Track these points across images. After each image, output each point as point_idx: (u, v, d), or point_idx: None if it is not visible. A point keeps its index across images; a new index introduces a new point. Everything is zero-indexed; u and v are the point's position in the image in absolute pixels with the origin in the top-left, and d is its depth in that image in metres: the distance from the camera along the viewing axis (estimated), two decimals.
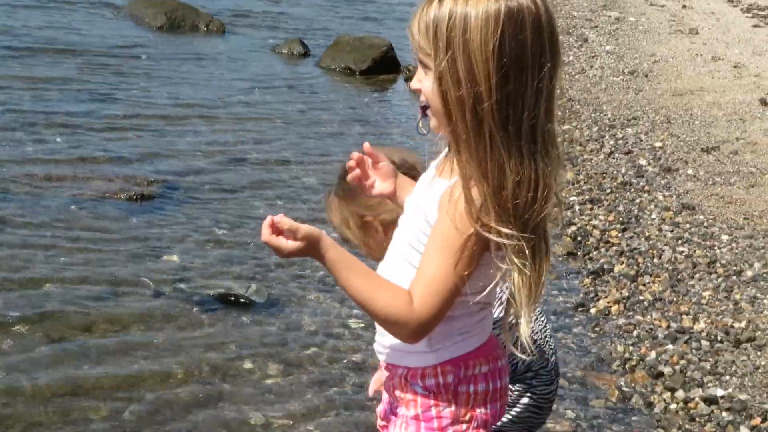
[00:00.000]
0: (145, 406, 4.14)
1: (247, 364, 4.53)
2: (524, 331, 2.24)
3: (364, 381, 4.41)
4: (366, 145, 2.55)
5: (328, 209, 3.05)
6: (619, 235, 6.42)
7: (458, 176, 2.17)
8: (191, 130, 8.32)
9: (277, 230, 2.16)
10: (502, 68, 2.06)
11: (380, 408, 2.64)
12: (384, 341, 2.42)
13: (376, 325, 2.43)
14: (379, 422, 2.63)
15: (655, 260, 6.01)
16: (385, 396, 2.59)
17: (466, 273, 2.16)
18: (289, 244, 2.15)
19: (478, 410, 2.36)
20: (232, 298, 5.20)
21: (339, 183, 2.98)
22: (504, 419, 3.13)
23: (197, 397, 4.23)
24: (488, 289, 2.25)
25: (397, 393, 2.42)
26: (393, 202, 2.61)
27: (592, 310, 5.39)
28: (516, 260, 2.14)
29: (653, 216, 6.76)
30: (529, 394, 3.16)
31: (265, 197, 6.96)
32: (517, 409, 3.17)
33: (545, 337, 3.25)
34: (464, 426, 2.36)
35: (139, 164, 7.26)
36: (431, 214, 2.21)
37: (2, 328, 4.60)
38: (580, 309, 5.41)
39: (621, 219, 6.68)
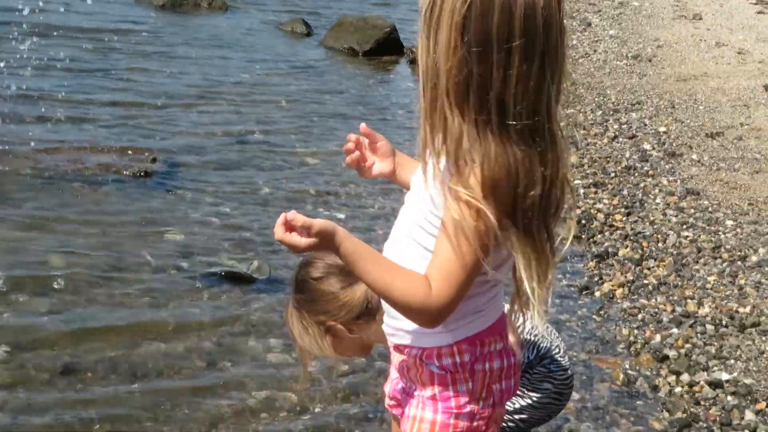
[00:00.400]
0: (147, 381, 4.10)
1: (251, 342, 4.50)
2: (539, 308, 2.21)
3: (368, 359, 4.38)
4: (363, 125, 2.57)
5: (288, 322, 3.12)
6: (624, 219, 6.38)
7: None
8: (194, 109, 8.26)
9: (290, 227, 2.16)
10: (464, 46, 2.03)
11: (388, 387, 2.62)
12: (395, 323, 2.40)
13: (386, 308, 2.40)
14: (388, 402, 2.61)
15: (660, 244, 5.97)
16: (393, 374, 2.57)
17: (482, 256, 2.13)
18: (303, 240, 2.15)
19: (494, 387, 2.35)
20: (235, 276, 5.16)
21: (293, 294, 3.09)
22: (523, 403, 3.11)
23: (201, 372, 4.20)
24: (503, 266, 2.22)
25: (412, 374, 2.40)
26: (393, 181, 2.61)
27: (597, 294, 5.36)
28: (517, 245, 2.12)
29: (657, 200, 6.72)
30: (549, 380, 3.14)
31: (268, 176, 6.91)
32: (538, 395, 3.15)
33: (537, 331, 3.22)
34: (481, 404, 2.34)
35: (142, 142, 7.20)
36: (438, 196, 2.18)
37: (5, 303, 4.55)
38: (584, 292, 5.37)
39: (625, 203, 6.64)
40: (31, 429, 3.66)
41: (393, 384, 2.56)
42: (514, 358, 2.41)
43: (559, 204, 2.17)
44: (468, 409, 2.33)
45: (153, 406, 3.92)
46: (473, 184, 2.07)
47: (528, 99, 2.05)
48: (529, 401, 3.14)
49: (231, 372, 4.23)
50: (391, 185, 6.88)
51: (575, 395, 4.23)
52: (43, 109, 7.54)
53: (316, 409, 4.01)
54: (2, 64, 8.26)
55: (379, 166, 2.59)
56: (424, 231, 2.25)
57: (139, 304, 4.80)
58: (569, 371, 3.22)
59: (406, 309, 2.20)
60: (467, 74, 2.04)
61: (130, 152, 6.91)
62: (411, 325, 2.31)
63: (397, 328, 2.40)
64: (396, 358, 2.48)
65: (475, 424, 2.35)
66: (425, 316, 2.18)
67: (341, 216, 6.32)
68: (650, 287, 5.41)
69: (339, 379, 4.24)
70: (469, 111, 2.07)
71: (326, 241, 2.17)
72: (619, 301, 5.27)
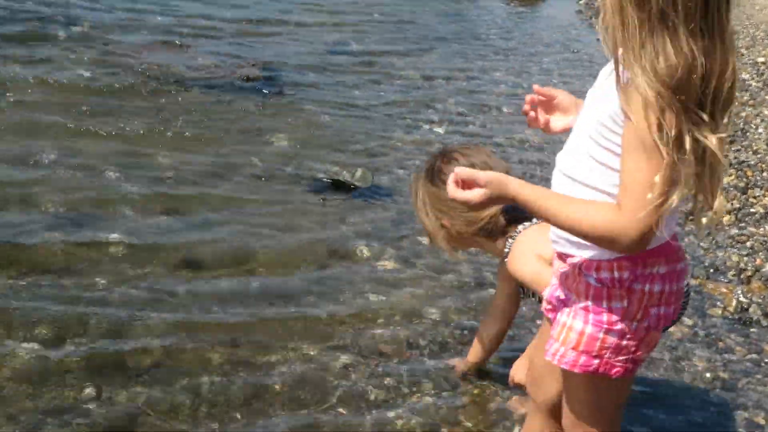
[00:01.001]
0: (260, 281, 3.95)
1: (361, 247, 4.33)
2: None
3: (479, 267, 4.23)
4: (535, 86, 2.48)
5: (412, 195, 3.07)
6: (727, 147, 6.06)
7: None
8: (289, 23, 8.08)
9: (463, 184, 2.14)
10: None
11: (547, 292, 2.48)
12: (558, 231, 2.25)
13: None
14: (545, 305, 2.46)
15: (765, 174, 5.67)
16: (553, 281, 2.42)
17: (673, 171, 1.93)
18: (474, 193, 2.13)
19: (651, 310, 2.20)
20: (339, 183, 5.00)
21: (425, 177, 3.00)
22: None
23: (314, 276, 4.04)
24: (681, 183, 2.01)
25: (570, 282, 2.26)
26: None
27: (704, 219, 5.09)
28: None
29: (760, 131, 6.38)
30: None
31: (366, 88, 6.73)
32: None
33: None
34: (635, 324, 2.19)
35: (243, 53, 7.05)
36: (614, 110, 2.01)
37: (122, 201, 4.42)
38: (690, 218, 5.10)
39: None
40: (151, 321, 3.54)
41: (552, 289, 2.41)
42: (677, 285, 2.22)
43: (730, 100, 1.98)
44: (619, 326, 2.18)
45: (266, 302, 3.78)
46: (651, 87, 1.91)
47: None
48: None
49: (344, 276, 4.07)
50: (488, 103, 6.68)
51: (688, 321, 4.03)
52: (147, 22, 7.41)
53: (433, 315, 3.85)
54: None
55: (562, 121, 2.47)
56: (597, 144, 2.09)
57: (246, 205, 4.65)
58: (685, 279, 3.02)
59: (602, 241, 2.06)
60: None
61: (232, 60, 6.77)
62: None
63: (559, 236, 2.26)
64: (557, 265, 2.35)
65: (624, 342, 2.20)
66: (623, 244, 2.02)
67: (440, 131, 6.11)
68: (757, 216, 5.13)
69: (449, 285, 4.07)
70: (647, 9, 1.90)
71: (499, 193, 2.12)
72: (726, 228, 5.01)
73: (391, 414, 3.17)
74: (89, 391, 3.05)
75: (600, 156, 2.08)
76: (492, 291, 3.65)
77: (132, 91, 5.84)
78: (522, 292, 3.16)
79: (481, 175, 2.11)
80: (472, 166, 2.95)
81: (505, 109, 6.61)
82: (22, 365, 3.11)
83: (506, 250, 2.99)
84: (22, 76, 5.73)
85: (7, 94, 5.45)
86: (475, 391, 3.37)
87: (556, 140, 6.07)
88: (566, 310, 2.27)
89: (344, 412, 3.16)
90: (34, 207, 4.19)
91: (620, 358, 2.21)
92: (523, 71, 7.93)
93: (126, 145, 5.06)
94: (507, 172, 3.03)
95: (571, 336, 2.23)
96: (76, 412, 2.94)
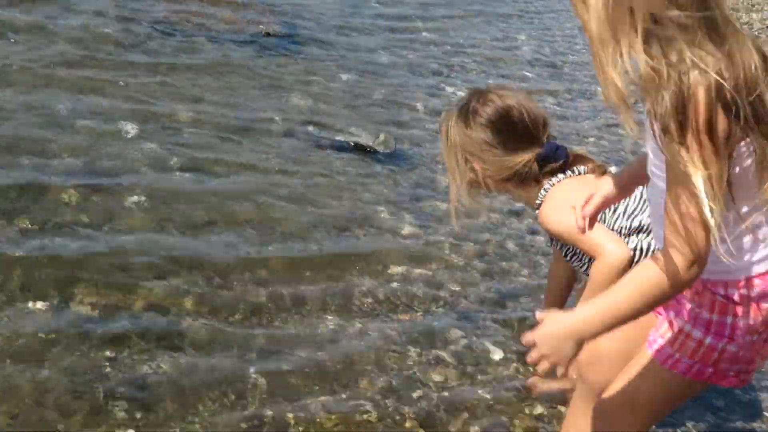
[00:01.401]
0: (280, 242, 3.84)
1: (382, 214, 4.22)
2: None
3: (501, 241, 4.13)
4: (584, 211, 2.43)
5: (442, 133, 2.89)
6: None
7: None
8: None
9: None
10: None
11: None
12: None
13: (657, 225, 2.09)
14: None
15: None
16: None
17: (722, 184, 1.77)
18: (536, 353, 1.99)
19: None
20: (360, 146, 4.88)
21: (457, 117, 2.83)
22: None
23: (334, 241, 3.94)
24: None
25: (692, 292, 2.09)
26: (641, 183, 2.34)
27: None
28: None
29: None
30: None
31: (388, 48, 6.58)
32: None
33: None
34: (755, 337, 2.06)
35: (264, 8, 6.89)
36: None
37: (139, 157, 4.28)
38: None
39: None
40: (164, 271, 3.45)
41: None
42: None
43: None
44: (740, 340, 2.06)
45: (282, 270, 3.65)
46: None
47: None
48: None
49: (365, 243, 3.96)
50: (510, 69, 6.54)
51: None
52: None
53: (453, 285, 3.74)
54: None
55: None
56: (651, 162, 1.97)
57: (266, 168, 4.51)
58: None
59: (672, 293, 1.93)
60: None
61: (252, 15, 6.64)
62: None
63: None
64: None
65: (741, 353, 2.08)
66: (685, 286, 1.92)
67: (453, 90, 5.97)
68: None
69: (472, 260, 3.96)
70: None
71: (563, 343, 1.96)
72: None
73: (412, 390, 3.08)
74: (108, 354, 2.96)
75: (655, 169, 1.97)
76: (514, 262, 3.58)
77: (149, 45, 5.68)
78: (551, 242, 3.02)
79: (531, 337, 1.99)
80: (509, 108, 2.81)
81: (527, 75, 6.48)
82: (36, 323, 3.02)
83: (538, 201, 2.86)
84: (36, 25, 5.56)
85: (19, 43, 5.29)
86: (498, 368, 3.28)
87: (577, 108, 5.95)
88: (684, 313, 2.12)
89: (364, 384, 3.07)
90: (49, 162, 4.04)
91: (734, 367, 2.11)
92: (545, 36, 7.78)
93: (143, 100, 4.91)
94: (544, 118, 2.90)
95: (689, 344, 2.10)
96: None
